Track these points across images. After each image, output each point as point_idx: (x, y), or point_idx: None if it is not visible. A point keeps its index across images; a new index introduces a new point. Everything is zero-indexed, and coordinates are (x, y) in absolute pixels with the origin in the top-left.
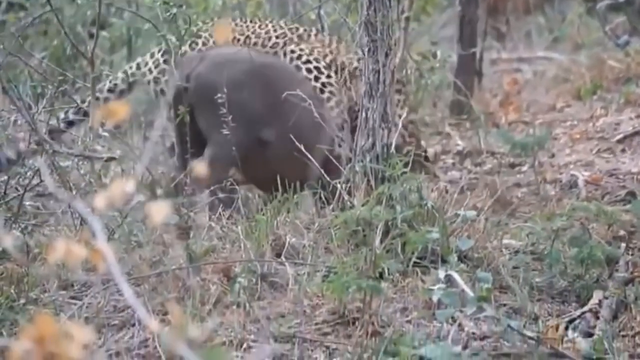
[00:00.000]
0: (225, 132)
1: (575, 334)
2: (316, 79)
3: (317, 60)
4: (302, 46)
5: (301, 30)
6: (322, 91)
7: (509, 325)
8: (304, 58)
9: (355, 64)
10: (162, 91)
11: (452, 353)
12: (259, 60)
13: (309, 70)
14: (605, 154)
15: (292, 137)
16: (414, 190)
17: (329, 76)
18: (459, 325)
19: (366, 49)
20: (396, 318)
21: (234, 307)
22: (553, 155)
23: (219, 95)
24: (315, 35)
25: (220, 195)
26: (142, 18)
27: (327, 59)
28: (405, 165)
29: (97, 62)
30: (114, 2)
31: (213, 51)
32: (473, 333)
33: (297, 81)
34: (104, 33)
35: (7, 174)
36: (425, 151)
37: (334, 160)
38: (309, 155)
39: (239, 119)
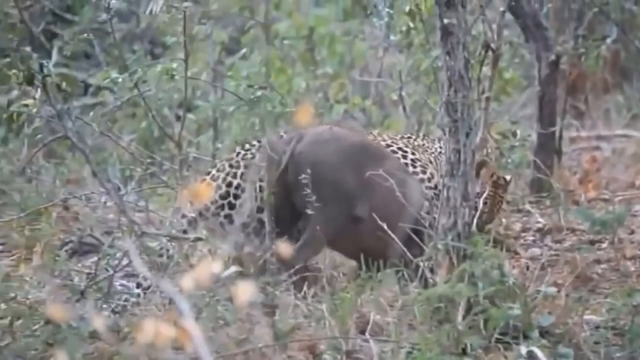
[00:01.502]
0: (322, 209)
1: None
2: (404, 157)
3: (394, 142)
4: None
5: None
6: (413, 166)
7: None
8: (383, 144)
9: (420, 142)
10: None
11: None
12: (354, 139)
13: (394, 152)
14: None
15: (382, 213)
16: (495, 267)
17: (413, 153)
18: None
19: (447, 129)
20: None
21: None
22: (632, 232)
23: (310, 173)
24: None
25: (306, 273)
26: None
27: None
28: (487, 242)
29: (184, 144)
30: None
31: (311, 130)
32: None
33: (389, 158)
34: (190, 115)
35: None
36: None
37: (415, 238)
38: (392, 233)
39: (336, 196)
